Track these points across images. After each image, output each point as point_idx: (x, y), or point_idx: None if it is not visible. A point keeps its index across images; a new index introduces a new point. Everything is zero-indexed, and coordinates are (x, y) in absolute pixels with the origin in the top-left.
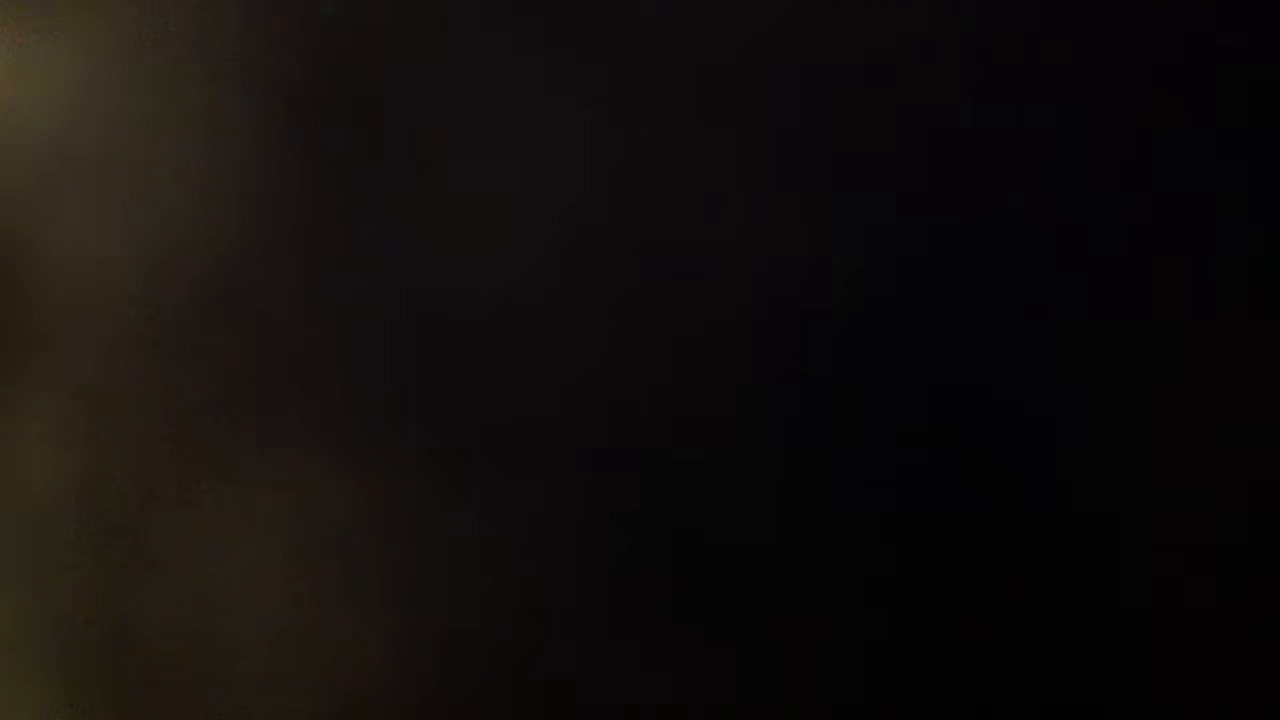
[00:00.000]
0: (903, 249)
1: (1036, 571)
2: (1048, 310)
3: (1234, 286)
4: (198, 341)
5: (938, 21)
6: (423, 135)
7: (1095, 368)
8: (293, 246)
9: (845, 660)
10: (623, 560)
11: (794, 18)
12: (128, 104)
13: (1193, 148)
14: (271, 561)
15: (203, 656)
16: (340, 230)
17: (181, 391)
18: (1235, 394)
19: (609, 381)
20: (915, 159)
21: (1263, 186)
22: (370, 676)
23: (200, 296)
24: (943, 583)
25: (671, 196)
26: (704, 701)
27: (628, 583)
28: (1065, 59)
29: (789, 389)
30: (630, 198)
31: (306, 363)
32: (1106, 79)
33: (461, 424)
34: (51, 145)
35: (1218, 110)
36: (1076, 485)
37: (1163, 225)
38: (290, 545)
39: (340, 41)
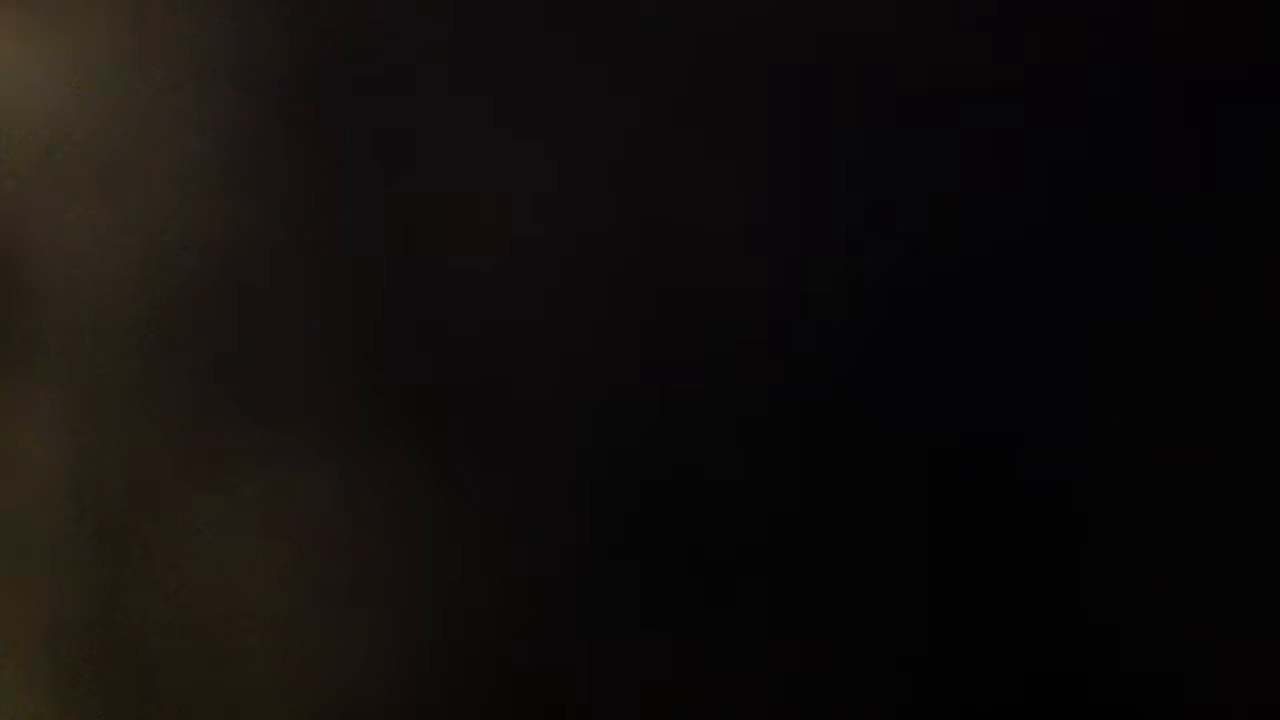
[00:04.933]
0: (900, 237)
1: (1038, 562)
2: (1047, 303)
3: (1235, 281)
4: (194, 340)
5: (935, 15)
6: (419, 132)
7: (1095, 353)
8: (290, 245)
9: (848, 660)
10: (621, 557)
11: (793, 13)
12: (125, 102)
13: (1193, 141)
14: (267, 561)
15: (198, 656)
16: (338, 228)
17: (177, 390)
18: (1233, 388)
19: (606, 378)
20: (914, 150)
21: (1263, 183)
22: (367, 675)
23: (197, 295)
24: (943, 572)
25: (669, 195)
26: (704, 700)
27: (626, 580)
28: (1065, 52)
29: (791, 384)
30: (627, 195)
31: (303, 362)
32: (1106, 73)
33: (459, 422)
34: (49, 143)
35: (1218, 107)
36: (1076, 471)
37: (1159, 210)
38: (286, 544)
39: (338, 38)
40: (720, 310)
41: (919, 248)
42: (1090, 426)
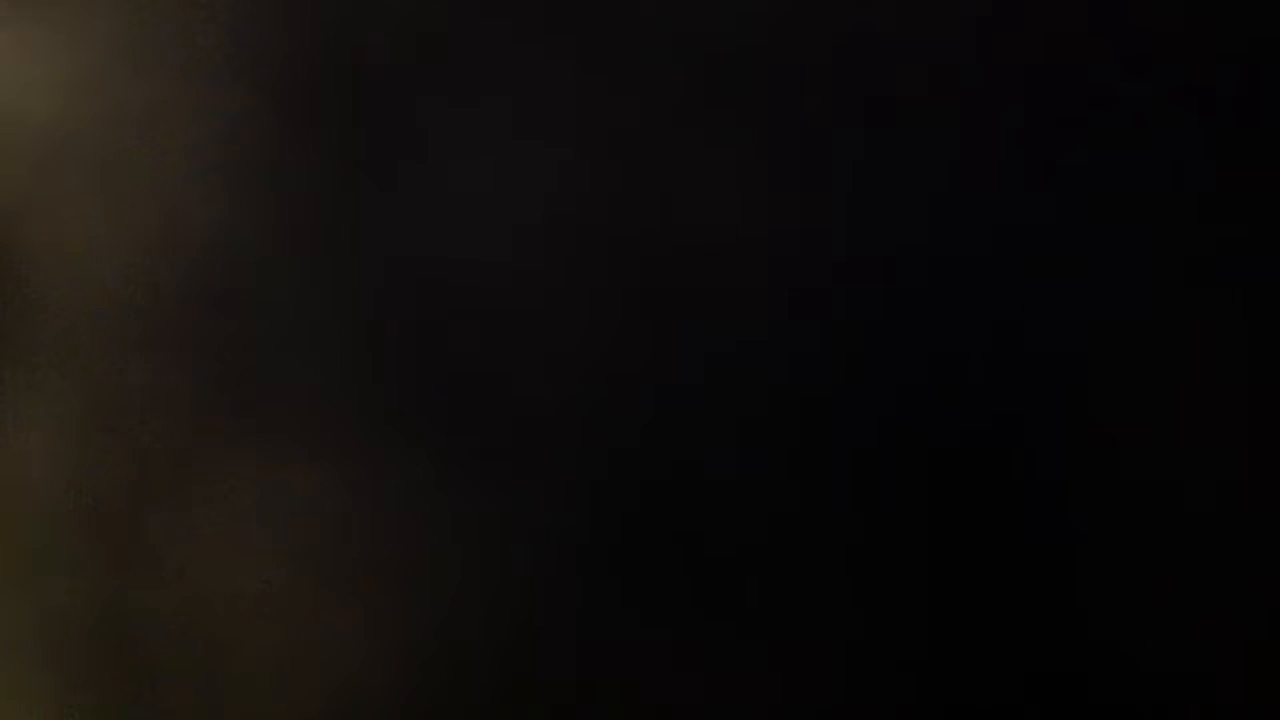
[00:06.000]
0: (900, 237)
1: (1038, 562)
2: (1047, 303)
3: (1235, 281)
4: (193, 337)
5: (935, 15)
6: (419, 129)
7: (1095, 353)
8: (289, 242)
9: (848, 660)
10: (621, 556)
11: (793, 13)
12: (124, 100)
13: (1194, 141)
14: (267, 558)
15: (197, 653)
16: (337, 225)
17: (177, 387)
18: (1234, 388)
19: (606, 378)
20: (914, 150)
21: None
22: (368, 674)
23: (196, 292)
24: (943, 572)
25: (669, 194)
26: (703, 699)
27: (626, 579)
28: (1065, 52)
29: (791, 384)
30: (627, 195)
31: (303, 359)
32: (1106, 73)
33: (459, 422)
34: (48, 141)
35: (1218, 107)
36: (1076, 471)
37: (1157, 211)
38: (286, 541)
39: (338, 36)
40: (720, 310)
41: (919, 248)
42: (1090, 426)
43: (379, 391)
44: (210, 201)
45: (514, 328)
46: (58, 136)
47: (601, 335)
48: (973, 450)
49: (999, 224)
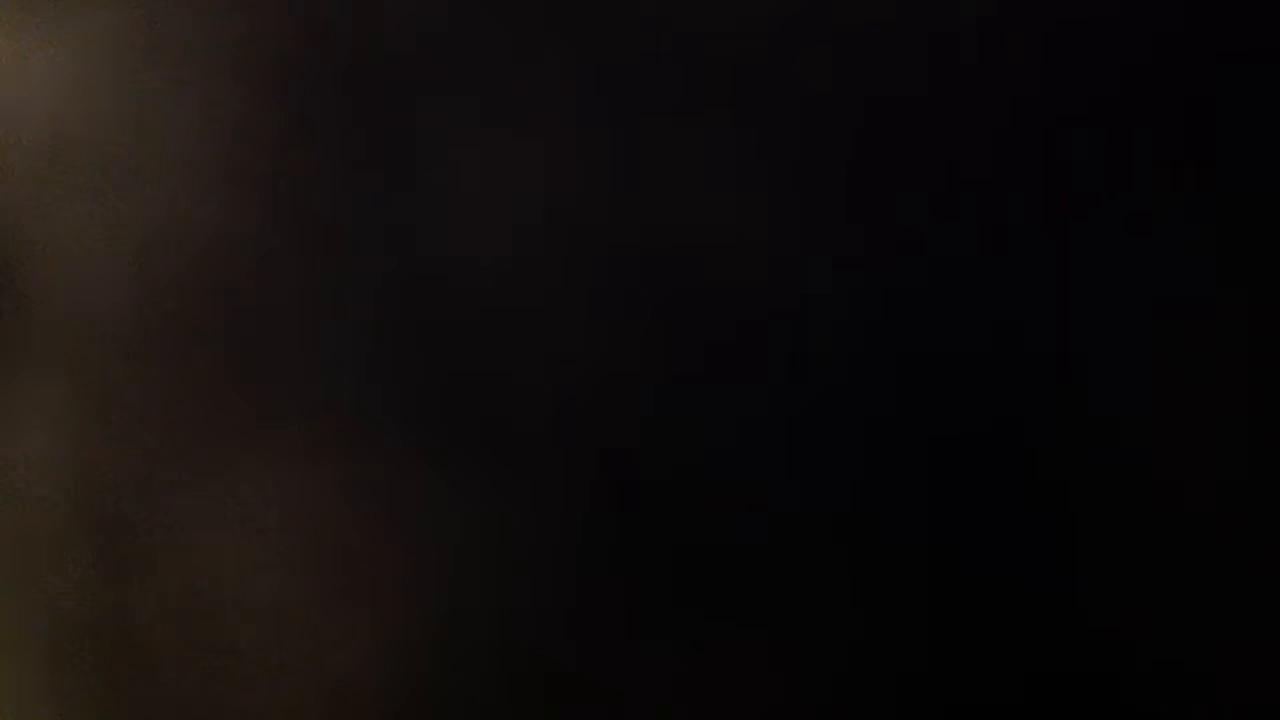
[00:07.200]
0: (899, 236)
1: (1038, 562)
2: (1047, 303)
3: (1235, 281)
4: (193, 339)
5: (935, 15)
6: (419, 130)
7: (1095, 353)
8: (288, 243)
9: (848, 660)
10: (620, 556)
11: (792, 12)
12: (124, 100)
13: (1194, 141)
14: (266, 557)
15: (197, 652)
16: (337, 226)
17: (177, 389)
18: (1233, 387)
19: (605, 378)
20: (913, 149)
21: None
22: (365, 672)
23: (196, 293)
24: (943, 572)
25: (668, 194)
26: (702, 699)
27: (625, 579)
28: (1065, 52)
29: (790, 382)
30: (627, 194)
31: (303, 358)
32: (1106, 73)
33: (458, 420)
34: (49, 142)
35: (1218, 107)
36: (1076, 470)
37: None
38: (286, 540)
39: (337, 37)
40: (720, 309)
41: (919, 248)
42: (1090, 426)
43: (379, 391)
44: (210, 201)
45: (514, 327)
46: (58, 136)
47: (601, 335)
48: (973, 450)
49: (999, 224)
